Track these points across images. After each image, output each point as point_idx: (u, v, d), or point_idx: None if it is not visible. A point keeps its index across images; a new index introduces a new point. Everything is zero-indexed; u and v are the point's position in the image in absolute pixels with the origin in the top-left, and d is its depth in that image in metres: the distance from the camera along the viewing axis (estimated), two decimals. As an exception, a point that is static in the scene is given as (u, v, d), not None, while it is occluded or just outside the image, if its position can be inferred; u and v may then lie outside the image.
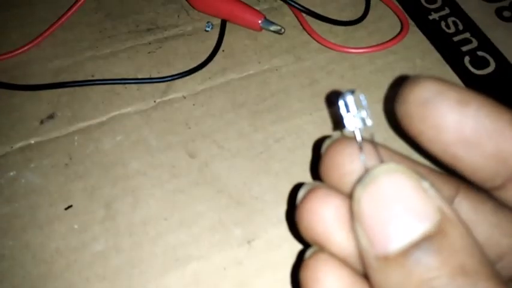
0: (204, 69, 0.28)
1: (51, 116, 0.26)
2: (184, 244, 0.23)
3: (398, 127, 0.15)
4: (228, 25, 0.30)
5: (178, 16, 0.31)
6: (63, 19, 0.30)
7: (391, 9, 0.30)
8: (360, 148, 0.15)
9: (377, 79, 0.28)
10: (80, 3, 0.30)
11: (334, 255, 0.15)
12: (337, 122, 0.26)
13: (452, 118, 0.13)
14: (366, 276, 0.15)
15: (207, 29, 0.30)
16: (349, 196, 0.15)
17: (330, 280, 0.15)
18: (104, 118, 0.27)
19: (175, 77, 0.28)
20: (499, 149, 0.13)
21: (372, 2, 0.31)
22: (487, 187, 0.14)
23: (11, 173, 0.25)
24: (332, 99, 0.27)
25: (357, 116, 0.15)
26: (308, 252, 0.15)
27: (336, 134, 0.16)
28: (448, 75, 0.28)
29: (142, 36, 0.30)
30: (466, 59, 0.29)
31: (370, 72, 0.28)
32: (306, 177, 0.24)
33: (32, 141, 0.26)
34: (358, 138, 0.15)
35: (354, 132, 0.15)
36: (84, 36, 0.30)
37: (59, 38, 0.29)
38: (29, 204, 0.24)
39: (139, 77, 0.28)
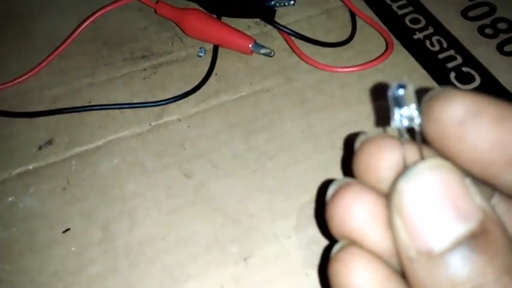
0: (197, 93, 0.29)
1: (49, 142, 0.27)
2: (182, 263, 0.23)
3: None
4: (220, 50, 0.31)
5: (172, 43, 0.32)
6: (60, 49, 0.31)
7: (376, 30, 0.32)
8: (403, 145, 0.14)
9: (366, 97, 0.29)
10: (76, 33, 0.31)
11: (366, 249, 0.15)
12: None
13: (493, 137, 0.13)
14: (399, 271, 0.15)
15: (200, 54, 0.31)
16: (385, 193, 0.15)
17: (363, 273, 0.14)
18: (100, 142, 0.27)
19: (170, 100, 0.28)
20: None
21: (358, 25, 0.32)
22: None
23: (10, 199, 0.25)
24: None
25: (405, 112, 0.14)
26: (337, 246, 0.15)
27: (372, 131, 0.16)
28: (434, 90, 0.29)
29: (137, 63, 0.31)
30: (452, 75, 0.30)
31: (359, 90, 0.29)
32: (300, 192, 0.25)
33: (31, 167, 0.26)
34: (404, 135, 0.14)
35: (399, 129, 0.14)
36: (81, 64, 0.31)
37: (56, 67, 0.30)
38: (27, 229, 0.24)
39: (135, 101, 0.29)
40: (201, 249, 0.23)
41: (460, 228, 0.12)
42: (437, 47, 0.31)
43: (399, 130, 0.14)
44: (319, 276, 0.22)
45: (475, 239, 0.12)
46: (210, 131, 0.27)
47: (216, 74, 0.30)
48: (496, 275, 0.12)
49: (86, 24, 0.32)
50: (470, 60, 0.31)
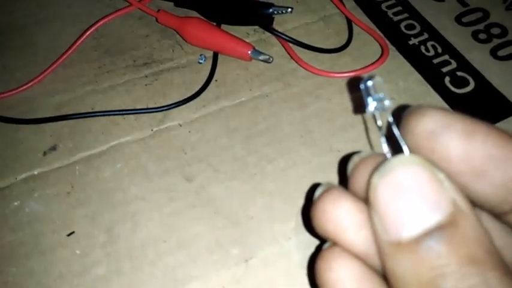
0: (198, 98, 0.30)
1: (53, 148, 0.28)
2: (183, 265, 0.23)
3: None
4: (220, 57, 0.32)
5: (172, 50, 0.32)
6: (64, 57, 0.31)
7: (372, 36, 0.32)
8: (381, 130, 0.16)
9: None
10: (79, 42, 0.32)
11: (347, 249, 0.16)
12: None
13: (460, 149, 0.14)
14: (377, 270, 0.16)
15: (200, 61, 0.32)
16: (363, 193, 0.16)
17: (342, 270, 0.15)
18: (104, 147, 0.28)
19: (171, 106, 0.29)
20: (508, 177, 0.14)
21: (354, 31, 0.33)
22: (495, 212, 0.15)
23: (16, 203, 0.25)
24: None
25: (376, 99, 0.16)
26: (325, 245, 0.17)
27: (365, 152, 0.17)
28: (429, 94, 0.30)
29: (139, 70, 0.31)
30: (447, 79, 0.31)
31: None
32: (298, 195, 0.25)
33: (36, 172, 0.27)
34: (379, 121, 0.16)
35: (374, 114, 0.16)
36: (84, 72, 0.31)
37: (60, 75, 0.31)
38: (33, 232, 0.25)
39: (137, 107, 0.29)
40: (202, 251, 0.24)
41: (428, 220, 0.13)
42: (432, 52, 0.32)
43: (374, 116, 0.16)
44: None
45: (442, 230, 0.13)
46: (211, 136, 0.28)
47: (216, 80, 0.31)
48: (459, 265, 0.12)
49: (88, 32, 0.32)
50: (464, 64, 0.31)
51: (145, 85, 0.31)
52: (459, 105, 0.29)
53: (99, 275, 0.23)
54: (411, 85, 0.30)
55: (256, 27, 0.33)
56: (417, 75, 0.31)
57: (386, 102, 0.16)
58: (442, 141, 0.14)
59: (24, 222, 0.25)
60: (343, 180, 0.23)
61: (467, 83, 0.31)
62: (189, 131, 0.28)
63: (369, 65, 0.30)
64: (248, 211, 0.25)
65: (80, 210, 0.25)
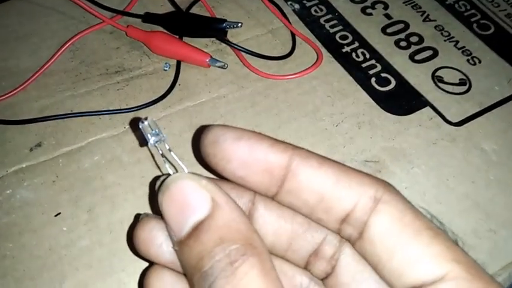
0: (164, 100, 0.35)
1: (38, 145, 0.32)
2: (155, 235, 0.28)
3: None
4: (182, 64, 0.37)
5: (141, 60, 0.37)
6: (44, 67, 0.36)
7: (310, 46, 0.38)
8: (164, 157, 0.20)
9: (304, 99, 0.35)
10: (58, 54, 0.37)
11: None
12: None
13: (232, 150, 0.18)
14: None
15: (165, 68, 0.37)
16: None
17: (157, 282, 0.19)
18: (83, 143, 0.32)
19: (141, 107, 0.34)
20: (266, 165, 0.18)
21: (297, 42, 0.39)
22: (269, 196, 0.19)
23: (8, 191, 0.30)
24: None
25: (154, 134, 0.20)
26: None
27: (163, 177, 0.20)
28: (358, 92, 0.36)
29: (111, 77, 0.36)
30: (373, 79, 0.37)
31: (299, 94, 0.36)
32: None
33: (24, 165, 0.31)
34: (159, 150, 0.20)
35: (155, 146, 0.20)
36: (63, 80, 0.36)
37: (42, 83, 0.35)
38: (25, 214, 0.29)
39: (111, 109, 0.34)
40: (170, 223, 0.29)
41: (194, 218, 0.17)
42: (361, 58, 0.38)
43: (156, 147, 0.21)
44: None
45: (203, 223, 0.16)
46: (176, 131, 0.33)
47: (179, 85, 0.36)
48: (213, 245, 0.16)
49: (66, 46, 0.37)
50: (387, 67, 0.38)
51: (117, 90, 0.35)
52: (382, 100, 0.36)
53: (84, 246, 0.28)
54: (344, 85, 0.36)
55: (214, 39, 0.39)
56: (349, 77, 0.37)
57: (161, 136, 0.21)
58: (221, 146, 0.18)
59: (17, 207, 0.29)
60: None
61: (389, 83, 0.37)
62: (157, 127, 0.33)
63: (307, 69, 0.36)
64: (208, 190, 0.30)
65: (64, 195, 0.30)
